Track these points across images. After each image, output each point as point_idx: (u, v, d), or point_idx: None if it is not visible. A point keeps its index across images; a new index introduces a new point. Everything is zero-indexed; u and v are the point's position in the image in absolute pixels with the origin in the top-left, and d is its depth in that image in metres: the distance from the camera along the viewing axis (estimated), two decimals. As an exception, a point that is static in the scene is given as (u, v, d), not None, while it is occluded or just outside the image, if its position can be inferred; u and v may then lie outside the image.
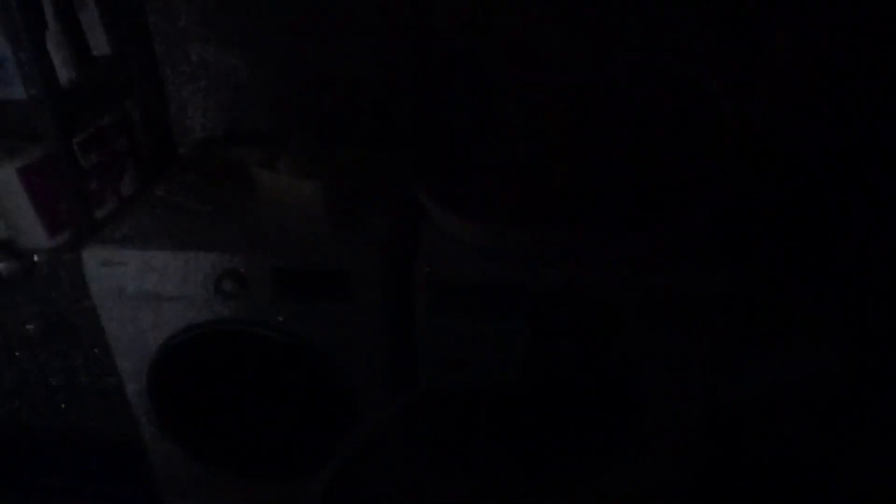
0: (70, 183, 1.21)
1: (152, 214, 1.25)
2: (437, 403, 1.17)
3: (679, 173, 1.25)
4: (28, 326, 1.42)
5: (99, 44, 1.33)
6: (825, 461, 1.30)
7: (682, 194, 1.22)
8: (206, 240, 1.17)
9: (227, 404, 1.31)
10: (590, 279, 1.09)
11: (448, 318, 1.13)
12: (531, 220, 1.13)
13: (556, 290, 1.10)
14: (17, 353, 1.47)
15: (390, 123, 1.48)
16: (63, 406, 1.54)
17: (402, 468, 1.09)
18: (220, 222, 1.22)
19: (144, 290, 1.17)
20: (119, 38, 1.35)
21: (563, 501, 1.26)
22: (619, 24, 1.33)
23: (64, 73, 1.21)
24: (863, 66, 1.20)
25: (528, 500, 1.12)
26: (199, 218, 1.23)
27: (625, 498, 1.30)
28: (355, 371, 1.20)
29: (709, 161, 1.28)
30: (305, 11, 1.39)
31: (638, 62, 1.35)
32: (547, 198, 1.20)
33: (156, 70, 1.48)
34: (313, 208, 1.21)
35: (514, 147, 1.35)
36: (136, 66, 1.42)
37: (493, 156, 1.35)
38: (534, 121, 1.34)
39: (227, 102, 1.51)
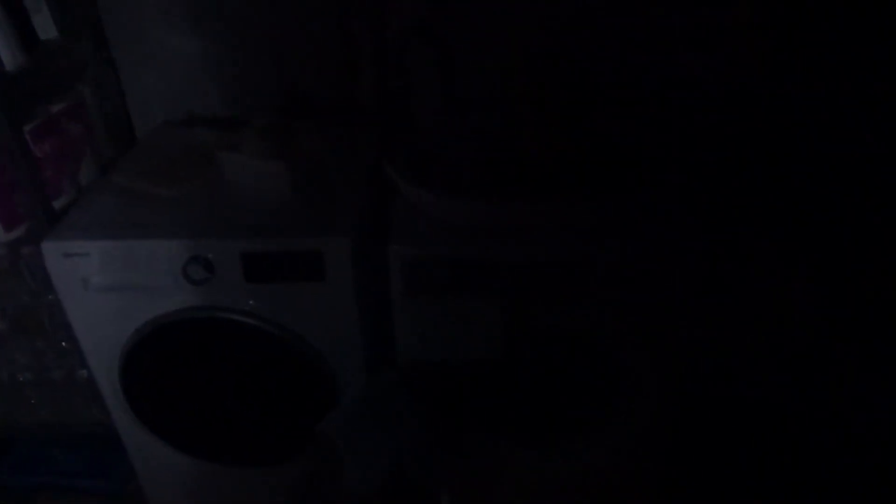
0: (23, 173, 1.17)
1: (113, 202, 1.21)
2: (418, 378, 1.17)
3: (648, 140, 1.25)
4: (-9, 323, 1.38)
5: (46, 27, 1.27)
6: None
7: (653, 161, 1.22)
8: (171, 226, 1.14)
9: (202, 392, 1.29)
10: (563, 249, 1.09)
11: (422, 295, 1.12)
12: (501, 192, 1.12)
13: (529, 262, 1.09)
14: (-19, 351, 1.44)
15: (353, 100, 1.45)
16: (33, 402, 1.51)
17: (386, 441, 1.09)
18: (184, 207, 1.19)
19: (109, 281, 1.13)
20: (67, 21, 1.30)
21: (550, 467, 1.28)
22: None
23: (10, 58, 1.16)
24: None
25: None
26: (161, 204, 1.20)
27: (610, 463, 1.32)
28: (331, 353, 1.19)
29: (680, 127, 1.28)
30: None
31: (607, 27, 1.33)
32: (516, 169, 1.19)
33: (108, 53, 1.42)
34: (279, 188, 1.19)
35: (479, 119, 1.33)
36: (87, 49, 1.37)
37: (458, 129, 1.33)
38: (498, 91, 1.33)
39: (184, 85, 1.47)
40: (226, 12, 1.39)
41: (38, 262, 1.15)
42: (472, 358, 1.18)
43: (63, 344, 1.39)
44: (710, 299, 1.25)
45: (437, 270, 1.10)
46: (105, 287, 1.14)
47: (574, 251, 1.09)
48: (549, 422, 1.32)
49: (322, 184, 1.23)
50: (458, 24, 1.35)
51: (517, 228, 1.09)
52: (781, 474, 1.37)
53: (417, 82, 1.40)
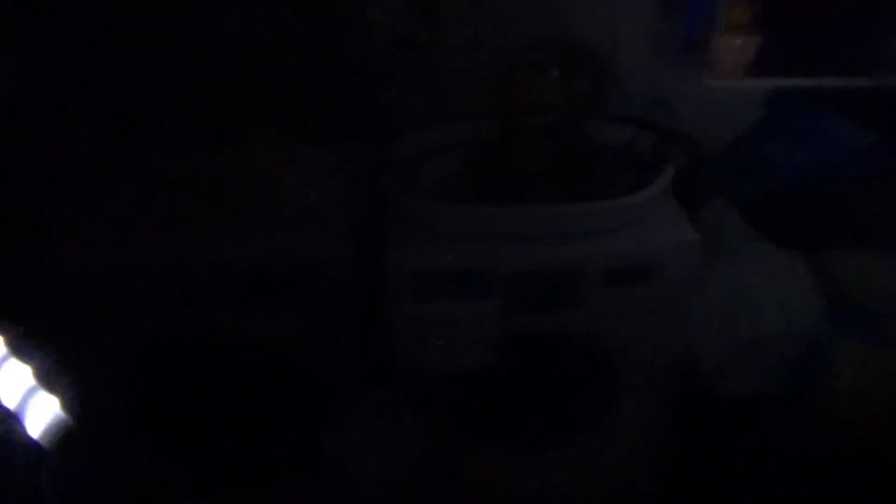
0: (19, 197, 1.17)
1: (111, 219, 1.22)
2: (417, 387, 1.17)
3: (641, 141, 1.27)
4: None
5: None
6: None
7: (646, 161, 1.24)
8: (167, 243, 1.14)
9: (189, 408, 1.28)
10: (557, 252, 1.09)
11: (420, 304, 1.13)
12: (495, 198, 1.13)
13: (525, 267, 1.10)
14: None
15: (345, 112, 1.47)
16: None
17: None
18: (181, 224, 1.19)
19: (107, 300, 1.13)
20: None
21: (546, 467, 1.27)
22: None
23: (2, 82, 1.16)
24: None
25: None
26: (159, 221, 1.20)
27: (605, 463, 1.31)
28: (326, 365, 1.19)
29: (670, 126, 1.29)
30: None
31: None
32: (508, 175, 1.20)
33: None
34: (276, 205, 1.20)
35: (467, 128, 1.34)
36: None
37: (447, 138, 1.34)
38: (484, 99, 1.35)
39: (180, 103, 1.48)
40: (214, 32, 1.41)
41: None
42: (469, 366, 1.18)
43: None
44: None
45: (436, 278, 1.11)
46: (105, 303, 1.14)
47: (568, 256, 1.10)
48: (545, 428, 1.32)
49: (318, 199, 1.23)
50: (440, 39, 1.38)
51: (511, 233, 1.10)
52: (783, 478, 1.36)
53: (407, 93, 1.42)
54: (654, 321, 1.15)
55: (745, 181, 1.35)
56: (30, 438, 0.87)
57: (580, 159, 1.22)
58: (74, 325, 1.14)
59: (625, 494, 1.37)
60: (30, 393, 0.90)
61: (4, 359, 0.90)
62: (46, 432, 0.89)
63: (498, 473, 1.33)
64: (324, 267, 1.10)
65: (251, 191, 1.21)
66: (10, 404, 0.87)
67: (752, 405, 1.20)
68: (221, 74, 1.45)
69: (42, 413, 0.90)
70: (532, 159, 1.18)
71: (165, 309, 1.13)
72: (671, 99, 1.41)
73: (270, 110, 1.48)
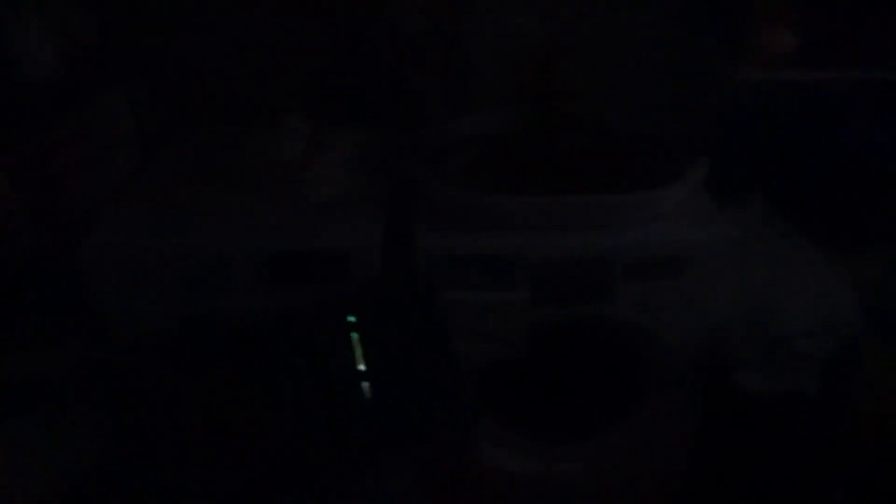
0: (55, 180, 1.19)
1: (143, 207, 1.23)
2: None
3: (675, 133, 1.25)
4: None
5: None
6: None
7: (678, 154, 1.22)
8: (197, 226, 1.15)
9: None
10: (586, 244, 1.09)
11: (447, 292, 1.13)
12: (524, 187, 1.12)
13: (553, 257, 1.10)
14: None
15: (374, 99, 1.47)
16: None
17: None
18: (213, 210, 1.20)
19: (137, 282, 1.15)
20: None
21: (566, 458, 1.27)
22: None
23: (41, 67, 1.19)
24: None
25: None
26: (191, 207, 1.22)
27: (627, 457, 1.31)
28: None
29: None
30: None
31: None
32: (538, 164, 1.19)
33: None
34: (306, 188, 1.20)
35: (497, 116, 1.34)
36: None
37: (477, 126, 1.34)
38: (515, 88, 1.34)
39: (214, 87, 1.49)
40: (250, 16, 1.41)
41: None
42: (495, 355, 1.18)
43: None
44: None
45: (464, 267, 1.11)
46: (134, 286, 1.16)
47: (597, 248, 1.09)
48: (568, 419, 1.32)
49: (348, 184, 1.24)
50: (469, 29, 1.37)
51: (542, 223, 1.09)
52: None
53: (436, 80, 1.41)
54: (683, 316, 1.14)
55: (779, 176, 1.32)
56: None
57: (611, 150, 1.21)
58: (106, 311, 1.16)
59: (648, 490, 1.37)
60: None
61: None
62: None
63: (519, 462, 1.34)
64: (352, 253, 1.11)
65: (280, 175, 1.22)
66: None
67: (782, 404, 1.19)
68: (252, 58, 1.46)
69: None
70: (563, 149, 1.17)
71: (194, 293, 1.15)
72: (705, 90, 1.39)
73: (300, 95, 1.49)
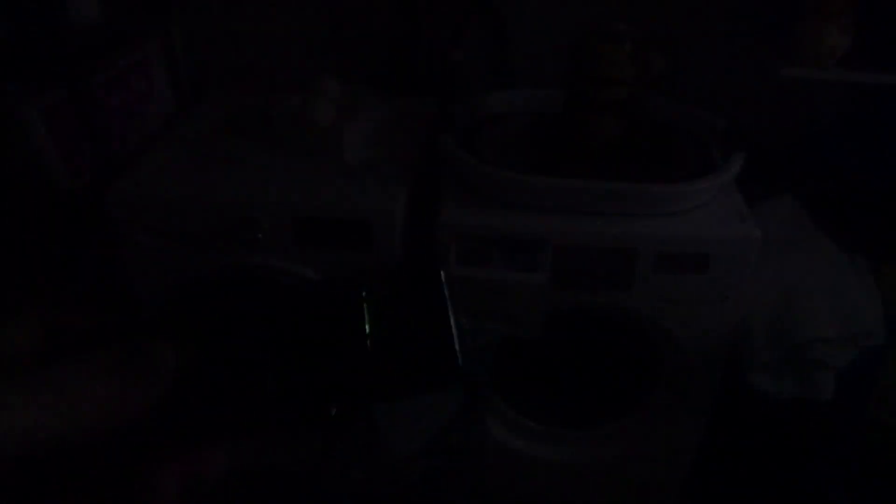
0: (92, 125, 1.20)
1: (174, 158, 1.24)
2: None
3: (712, 126, 1.23)
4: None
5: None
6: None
7: (714, 148, 1.20)
8: (226, 185, 1.16)
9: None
10: (611, 231, 1.08)
11: (468, 269, 1.13)
12: (555, 169, 1.11)
13: (577, 243, 1.09)
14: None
15: (411, 70, 1.46)
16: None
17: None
18: (241, 167, 1.21)
19: (164, 232, 1.16)
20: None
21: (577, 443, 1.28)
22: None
23: (84, 12, 1.19)
24: None
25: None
26: (220, 162, 1.22)
27: (636, 449, 1.31)
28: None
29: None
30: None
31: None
32: (570, 148, 1.18)
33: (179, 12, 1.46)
34: (334, 153, 1.20)
35: (534, 96, 1.32)
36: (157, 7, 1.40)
37: (512, 105, 1.33)
38: (554, 69, 1.32)
39: (250, 46, 1.49)
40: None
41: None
42: (513, 335, 1.18)
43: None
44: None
45: (486, 245, 1.10)
46: (160, 237, 1.17)
47: (622, 237, 1.08)
48: (584, 405, 1.32)
49: (377, 152, 1.23)
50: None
51: (568, 206, 1.09)
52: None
53: (476, 55, 1.40)
54: (704, 313, 1.13)
55: (814, 178, 1.30)
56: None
57: (647, 139, 1.19)
58: (133, 254, 1.17)
59: (653, 481, 1.37)
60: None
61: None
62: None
63: (532, 444, 1.35)
64: (377, 219, 1.11)
65: (311, 138, 1.22)
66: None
67: (791, 408, 1.18)
68: (291, 20, 1.46)
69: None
70: (597, 134, 1.15)
71: (221, 246, 1.16)
72: (746, 85, 1.36)
73: (336, 58, 1.49)
